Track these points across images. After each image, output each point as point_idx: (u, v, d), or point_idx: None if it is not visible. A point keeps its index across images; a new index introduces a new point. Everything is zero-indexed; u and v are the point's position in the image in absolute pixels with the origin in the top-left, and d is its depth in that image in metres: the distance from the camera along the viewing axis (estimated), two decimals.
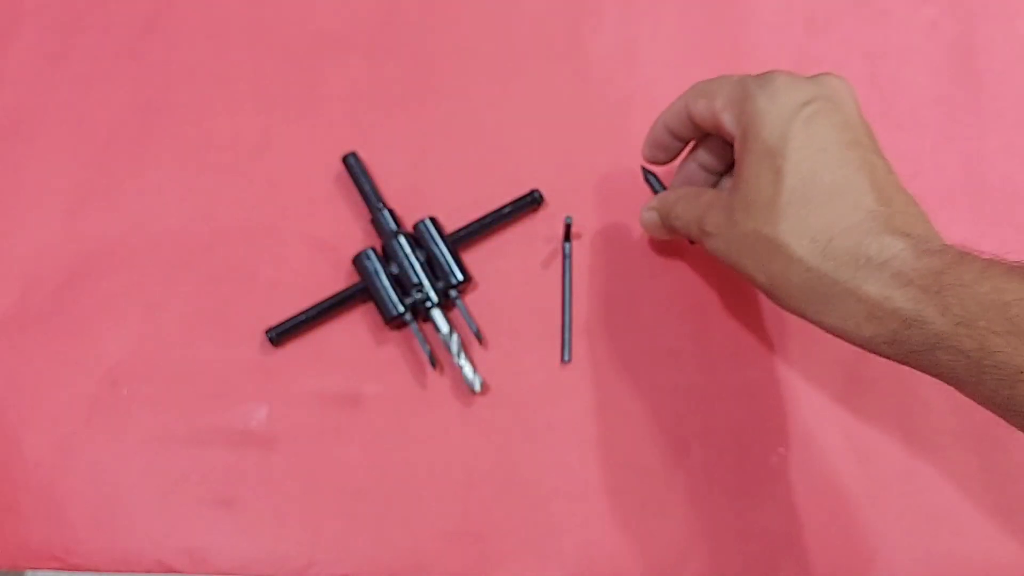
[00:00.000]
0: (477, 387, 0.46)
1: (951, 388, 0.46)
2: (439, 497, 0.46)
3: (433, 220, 0.49)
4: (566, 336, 0.48)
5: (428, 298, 0.47)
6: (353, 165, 0.50)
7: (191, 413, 0.47)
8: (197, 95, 0.53)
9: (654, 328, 0.48)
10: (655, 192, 0.48)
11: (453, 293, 0.48)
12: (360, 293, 0.48)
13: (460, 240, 0.49)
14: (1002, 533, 0.44)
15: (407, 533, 0.45)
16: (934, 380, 0.46)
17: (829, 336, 0.47)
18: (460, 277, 0.48)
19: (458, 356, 0.46)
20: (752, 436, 0.46)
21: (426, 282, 0.47)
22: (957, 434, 0.45)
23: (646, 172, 0.49)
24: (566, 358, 0.47)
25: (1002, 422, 0.45)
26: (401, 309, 0.47)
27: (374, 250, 0.48)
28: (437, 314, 0.47)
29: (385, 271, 0.48)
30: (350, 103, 0.53)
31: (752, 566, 0.44)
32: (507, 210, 0.49)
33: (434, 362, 0.47)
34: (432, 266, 0.48)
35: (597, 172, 0.50)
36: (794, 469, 0.45)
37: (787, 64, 0.51)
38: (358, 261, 0.48)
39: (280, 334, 0.48)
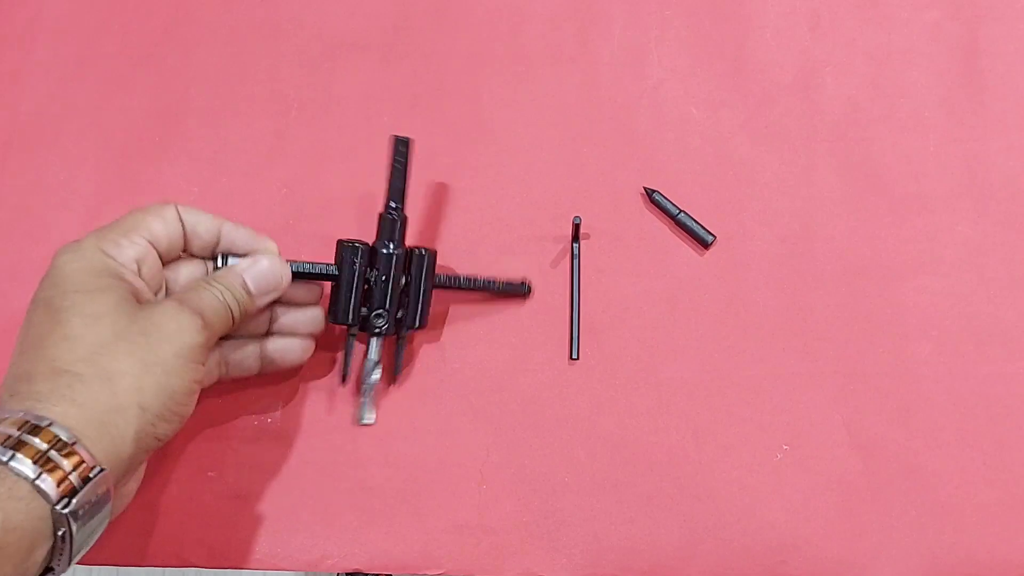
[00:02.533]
0: (366, 419, 0.47)
1: (953, 385, 0.46)
2: (450, 491, 0.47)
3: (430, 254, 0.47)
4: (574, 334, 0.48)
5: (383, 326, 0.46)
6: (399, 151, 0.47)
7: (208, 409, 0.48)
8: (214, 99, 0.54)
9: (659, 326, 0.48)
10: (664, 211, 0.49)
11: (404, 332, 0.47)
12: (326, 277, 0.46)
13: (444, 287, 0.48)
14: (1005, 529, 0.44)
15: (418, 527, 0.46)
16: (937, 377, 0.46)
17: (832, 333, 0.48)
18: (420, 323, 0.46)
19: (368, 390, 0.47)
20: (756, 433, 0.46)
21: (390, 309, 0.46)
22: (959, 431, 0.46)
23: (650, 192, 0.49)
24: (574, 355, 0.48)
25: (1004, 419, 0.46)
26: (351, 320, 0.45)
27: (365, 246, 0.46)
28: (376, 342, 0.46)
29: (362, 274, 0.45)
30: (363, 107, 0.53)
31: (757, 561, 0.45)
32: (497, 286, 0.48)
33: (345, 377, 0.48)
34: (404, 297, 0.46)
35: (605, 173, 0.51)
36: (798, 465, 0.46)
37: (791, 67, 0.52)
38: (342, 249, 0.46)
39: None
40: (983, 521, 0.44)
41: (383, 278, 0.45)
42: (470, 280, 0.48)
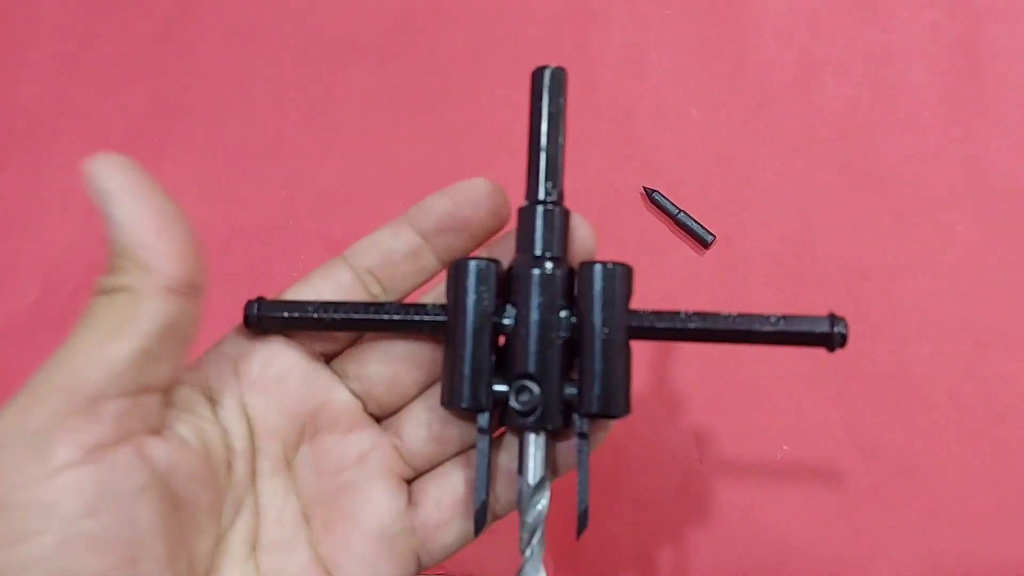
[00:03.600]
0: None
1: (953, 385, 0.46)
2: None
3: (620, 271, 0.27)
4: None
5: (534, 409, 0.26)
6: (550, 90, 0.27)
7: None
8: (213, 98, 0.54)
9: None
10: (664, 211, 0.49)
11: (582, 425, 0.26)
12: (428, 326, 0.27)
13: (651, 334, 0.27)
14: (1004, 530, 0.44)
15: None
16: (936, 377, 0.46)
17: None
18: (610, 404, 0.26)
19: (531, 539, 0.26)
20: (756, 433, 0.46)
21: (545, 377, 0.26)
22: (959, 430, 0.46)
23: (649, 192, 0.49)
24: None
25: (1003, 419, 0.46)
26: (476, 401, 0.26)
27: (493, 265, 0.27)
28: (533, 444, 0.26)
29: (487, 316, 0.26)
30: (362, 106, 0.53)
31: (756, 562, 0.45)
32: (773, 327, 0.27)
33: (481, 523, 0.27)
34: (573, 357, 0.26)
35: (605, 173, 0.51)
36: (798, 465, 0.46)
37: (790, 68, 0.52)
38: (457, 273, 0.27)
39: (262, 316, 0.28)
40: (983, 521, 0.44)
41: (528, 319, 0.26)
42: (704, 319, 0.27)
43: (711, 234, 0.49)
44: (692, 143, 0.51)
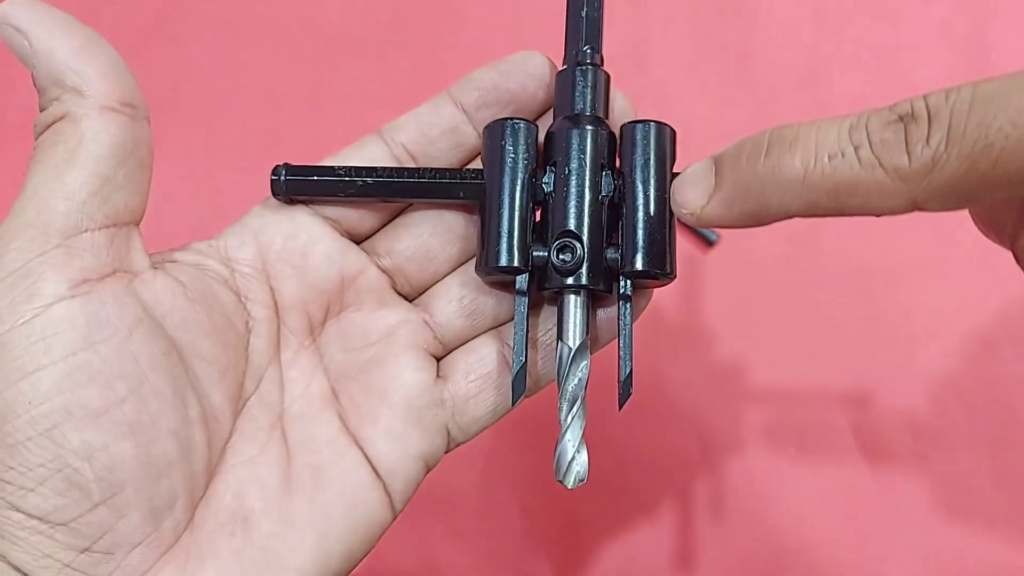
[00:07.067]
0: (571, 481, 0.27)
1: (962, 387, 0.46)
2: (449, 496, 0.46)
3: (662, 131, 0.27)
4: None
5: (576, 268, 0.25)
6: None
7: None
8: (206, 94, 0.54)
9: (662, 327, 0.48)
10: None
11: (625, 287, 0.26)
12: (465, 189, 0.27)
13: None
14: (1014, 534, 0.44)
15: (417, 533, 0.45)
16: (945, 379, 0.46)
17: (839, 334, 0.47)
18: (660, 266, 0.25)
19: (571, 409, 0.26)
20: (762, 436, 0.46)
21: (587, 236, 0.25)
22: (968, 433, 0.45)
23: None
24: None
25: (1013, 421, 0.45)
26: (514, 261, 0.26)
27: (532, 127, 0.27)
28: (573, 305, 0.26)
29: (529, 178, 0.26)
30: (358, 102, 0.53)
31: (762, 567, 0.44)
32: None
33: (520, 387, 0.27)
34: (615, 223, 0.26)
35: None
36: (804, 469, 0.45)
37: (797, 63, 0.51)
38: (494, 133, 0.27)
39: (289, 181, 0.27)
40: (992, 525, 0.44)
41: (569, 178, 0.25)
42: None
43: (715, 232, 0.48)
44: (697, 139, 0.50)
